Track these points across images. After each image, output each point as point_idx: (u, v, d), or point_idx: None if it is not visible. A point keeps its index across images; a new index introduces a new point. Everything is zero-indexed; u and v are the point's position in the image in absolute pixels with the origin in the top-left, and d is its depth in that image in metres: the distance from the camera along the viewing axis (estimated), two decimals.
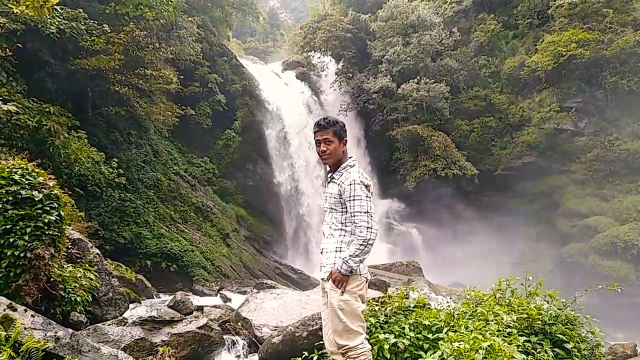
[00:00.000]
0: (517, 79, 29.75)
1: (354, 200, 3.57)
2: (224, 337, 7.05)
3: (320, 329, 4.11)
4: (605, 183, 25.51)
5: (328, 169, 3.89)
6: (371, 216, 3.56)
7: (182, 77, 21.50)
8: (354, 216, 3.56)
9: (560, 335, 4.14)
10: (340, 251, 3.64)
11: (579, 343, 4.18)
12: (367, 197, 3.60)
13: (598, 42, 26.48)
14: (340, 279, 3.55)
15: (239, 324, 7.84)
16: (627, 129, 25.68)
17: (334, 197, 3.71)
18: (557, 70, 27.39)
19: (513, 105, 29.87)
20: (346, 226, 3.69)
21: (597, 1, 27.26)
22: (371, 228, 3.52)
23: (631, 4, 27.46)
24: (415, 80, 29.36)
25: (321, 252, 3.83)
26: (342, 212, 3.70)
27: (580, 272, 22.41)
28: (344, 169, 3.75)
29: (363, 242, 3.51)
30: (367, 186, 3.65)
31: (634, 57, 25.56)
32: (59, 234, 6.31)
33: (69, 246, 7.23)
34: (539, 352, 3.92)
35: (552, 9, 28.78)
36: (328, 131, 3.76)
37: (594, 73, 26.86)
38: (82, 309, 6.61)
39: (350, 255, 3.52)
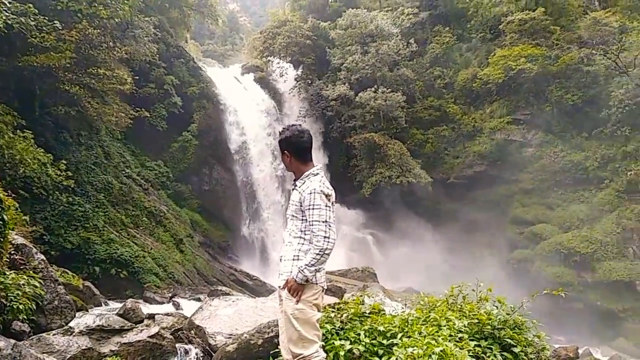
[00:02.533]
0: (470, 90, 30.79)
1: (312, 209, 3.58)
2: (177, 345, 6.88)
3: (276, 336, 4.10)
4: (551, 192, 26.72)
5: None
6: (329, 226, 3.56)
7: (136, 77, 20.94)
8: (312, 225, 3.57)
9: (509, 340, 4.30)
10: (298, 259, 3.63)
11: (526, 347, 4.35)
12: (326, 206, 3.60)
13: (545, 58, 27.86)
14: (296, 288, 3.56)
15: (192, 332, 7.66)
16: (572, 141, 27.03)
17: (295, 205, 3.72)
18: (507, 83, 28.57)
19: (466, 115, 30.86)
20: (305, 234, 3.69)
21: (545, 18, 28.71)
22: (328, 238, 3.53)
23: (576, 22, 29.06)
24: (373, 89, 29.83)
25: (280, 260, 3.83)
26: (302, 220, 3.70)
27: (527, 277, 23.29)
28: (306, 177, 3.75)
29: (320, 251, 3.51)
30: (327, 195, 3.65)
31: (578, 73, 27.00)
32: (2, 239, 6.03)
33: (12, 252, 6.88)
34: (488, 356, 4.05)
35: (503, 25, 30.04)
36: (279, 145, 3.89)
37: (541, 87, 28.17)
38: (25, 317, 6.27)
39: (306, 265, 3.52)
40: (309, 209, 3.59)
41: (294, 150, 3.80)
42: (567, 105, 27.15)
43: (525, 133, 28.38)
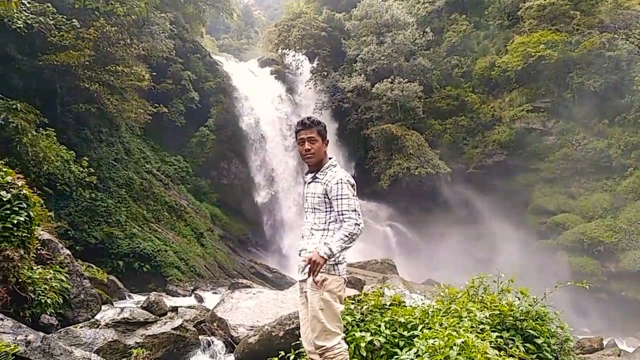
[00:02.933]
0: (488, 79, 30.32)
1: (341, 198, 3.59)
2: (200, 337, 7.01)
3: (297, 328, 4.13)
4: (573, 181, 26.25)
5: (306, 170, 3.91)
6: (359, 214, 3.58)
7: (154, 74, 21.14)
8: (342, 214, 3.57)
9: (531, 331, 4.27)
10: None
11: (549, 338, 4.31)
12: (353, 195, 3.63)
13: (566, 44, 27.22)
14: (317, 262, 3.43)
15: (215, 324, 7.79)
16: (594, 129, 26.46)
17: (318, 197, 3.70)
18: (526, 71, 28.03)
19: (484, 104, 30.42)
20: (329, 226, 3.68)
21: (565, 3, 28.00)
22: (359, 225, 3.54)
23: (597, 6, 28.30)
24: (389, 79, 29.60)
25: (299, 254, 3.81)
26: (326, 211, 3.70)
27: (550, 268, 22.99)
28: (327, 168, 3.77)
29: (349, 234, 3.50)
30: (352, 185, 3.68)
31: (600, 58, 26.34)
32: (29, 235, 6.17)
33: (39, 247, 7.07)
34: (510, 348, 4.02)
35: (521, 11, 29.42)
36: (313, 130, 3.78)
37: (562, 74, 27.57)
38: (52, 311, 6.47)
39: (334, 241, 3.48)
40: (338, 198, 3.60)
41: (327, 140, 3.87)
42: (589, 92, 26.52)
43: (545, 121, 27.87)
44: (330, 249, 3.46)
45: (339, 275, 3.66)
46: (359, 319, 4.62)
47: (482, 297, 4.91)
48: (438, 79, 32.12)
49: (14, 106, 13.13)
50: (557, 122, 27.58)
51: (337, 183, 3.62)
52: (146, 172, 21.52)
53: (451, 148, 30.26)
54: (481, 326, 4.17)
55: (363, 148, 32.42)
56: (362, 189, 29.11)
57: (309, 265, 3.48)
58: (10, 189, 6.03)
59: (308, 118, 3.90)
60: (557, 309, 4.65)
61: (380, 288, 5.54)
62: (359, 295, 5.39)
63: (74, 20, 15.22)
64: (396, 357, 3.97)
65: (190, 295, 15.63)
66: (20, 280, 5.95)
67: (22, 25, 13.28)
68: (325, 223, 3.70)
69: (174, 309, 9.08)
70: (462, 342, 3.50)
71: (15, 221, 5.83)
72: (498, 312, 4.44)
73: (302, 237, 3.83)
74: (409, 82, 29.40)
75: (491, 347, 3.59)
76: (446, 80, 32.20)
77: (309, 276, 3.55)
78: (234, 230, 26.34)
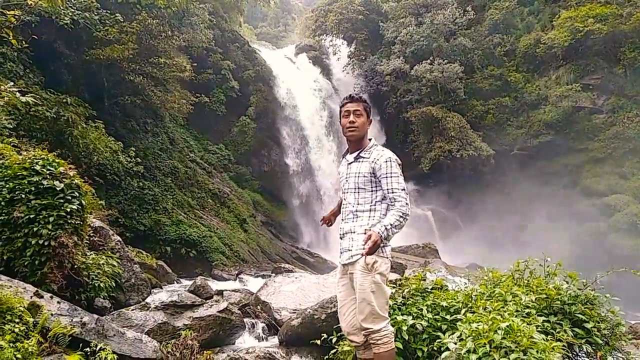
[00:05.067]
0: (533, 56, 29.18)
1: (391, 177, 3.56)
2: (244, 320, 7.16)
3: None
4: (625, 161, 25.07)
5: (344, 151, 3.89)
6: (407, 194, 3.55)
7: (195, 64, 21.50)
8: (393, 192, 3.54)
9: (580, 315, 4.14)
10: None
11: (598, 323, 4.17)
12: (401, 174, 3.60)
13: (616, 17, 25.78)
14: (377, 241, 3.35)
15: (259, 307, 7.95)
16: None
17: (364, 176, 3.65)
18: (574, 47, 26.79)
19: (529, 83, 29.36)
20: (375, 206, 3.64)
21: None
22: (408, 205, 3.52)
23: None
24: (429, 61, 29.00)
25: (341, 237, 3.77)
26: (372, 191, 3.65)
27: (600, 251, 22.13)
28: (371, 147, 3.73)
29: (402, 215, 3.47)
30: (399, 165, 3.66)
31: None
32: (81, 223, 6.44)
33: (91, 234, 7.38)
34: (558, 332, 3.92)
35: None
36: (359, 104, 3.74)
37: (612, 49, 26.20)
38: (105, 294, 6.76)
39: (391, 224, 3.43)
40: (387, 176, 3.56)
41: (371, 119, 3.85)
42: None
43: (595, 99, 26.61)
44: (387, 233, 3.41)
45: (387, 258, 3.63)
46: (401, 302, 4.61)
47: (528, 281, 4.79)
48: (480, 59, 31.17)
49: (64, 100, 13.69)
50: (607, 99, 26.30)
51: (387, 161, 3.58)
52: (190, 160, 22.06)
53: (494, 129, 29.42)
54: (527, 310, 4.07)
55: (402, 132, 32.02)
56: (403, 172, 28.74)
57: (367, 244, 3.35)
58: (63, 179, 6.31)
59: (356, 93, 3.88)
60: (607, 293, 4.49)
61: (422, 272, 5.50)
62: (400, 279, 5.37)
63: (117, 14, 15.66)
64: (439, 340, 3.94)
65: (234, 280, 15.98)
66: (75, 265, 6.24)
67: (68, 22, 13.77)
68: (372, 203, 3.65)
69: (220, 293, 9.32)
70: (507, 326, 3.44)
71: (68, 209, 6.10)
72: (545, 296, 4.32)
73: (343, 219, 3.78)
74: (449, 62, 28.72)
75: (537, 331, 3.51)
76: (488, 60, 31.21)
77: (366, 255, 3.44)
78: (276, 216, 26.69)
